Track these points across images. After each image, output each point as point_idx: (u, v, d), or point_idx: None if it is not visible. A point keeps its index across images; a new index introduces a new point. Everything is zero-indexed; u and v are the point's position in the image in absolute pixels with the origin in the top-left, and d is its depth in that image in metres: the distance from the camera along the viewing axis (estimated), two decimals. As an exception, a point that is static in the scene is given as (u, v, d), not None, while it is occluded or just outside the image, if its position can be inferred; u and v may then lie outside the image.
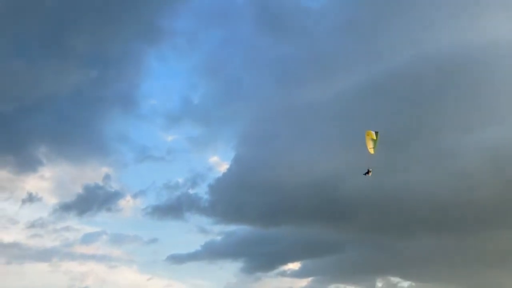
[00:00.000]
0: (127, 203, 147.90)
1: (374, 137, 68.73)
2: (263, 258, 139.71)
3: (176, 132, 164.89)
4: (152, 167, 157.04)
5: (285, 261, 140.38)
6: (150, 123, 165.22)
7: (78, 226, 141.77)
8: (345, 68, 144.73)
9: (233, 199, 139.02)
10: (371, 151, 68.77)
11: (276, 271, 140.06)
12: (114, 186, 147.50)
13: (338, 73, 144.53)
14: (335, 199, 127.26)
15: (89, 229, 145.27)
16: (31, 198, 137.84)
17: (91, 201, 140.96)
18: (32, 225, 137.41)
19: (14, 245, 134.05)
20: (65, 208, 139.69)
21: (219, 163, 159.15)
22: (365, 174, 72.40)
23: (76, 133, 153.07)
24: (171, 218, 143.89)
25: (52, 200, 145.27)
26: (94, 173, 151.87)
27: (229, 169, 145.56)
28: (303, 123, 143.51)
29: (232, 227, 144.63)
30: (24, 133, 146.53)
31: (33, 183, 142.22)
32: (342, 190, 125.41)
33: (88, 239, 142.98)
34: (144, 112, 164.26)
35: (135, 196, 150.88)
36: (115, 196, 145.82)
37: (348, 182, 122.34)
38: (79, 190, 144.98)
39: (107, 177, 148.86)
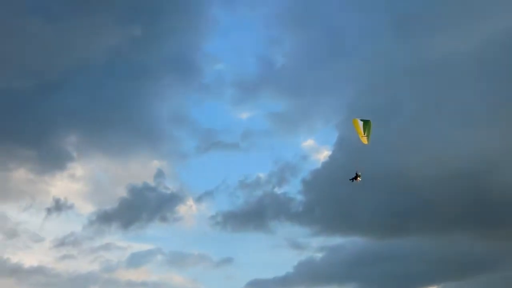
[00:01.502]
0: (188, 209, 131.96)
1: (360, 127, 66.02)
2: (382, 282, 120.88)
3: (253, 108, 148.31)
4: (221, 158, 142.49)
5: (415, 285, 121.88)
6: (217, 97, 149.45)
7: (123, 243, 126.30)
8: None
9: (337, 200, 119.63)
10: (364, 140, 65.70)
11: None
12: (170, 186, 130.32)
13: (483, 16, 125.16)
14: (486, 197, 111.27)
15: (137, 246, 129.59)
16: (58, 206, 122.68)
17: (139, 208, 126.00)
18: (61, 242, 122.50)
19: (38, 270, 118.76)
20: (105, 218, 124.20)
21: (316, 148, 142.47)
22: (351, 180, 68.52)
23: (116, 115, 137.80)
24: (250, 229, 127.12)
25: (86, 208, 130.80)
26: (142, 169, 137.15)
27: (331, 157, 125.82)
28: (436, 87, 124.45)
29: (337, 240, 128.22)
30: (48, 118, 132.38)
31: (60, 185, 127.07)
32: (496, 184, 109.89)
33: (136, 260, 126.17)
34: (209, 82, 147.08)
35: (199, 199, 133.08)
36: (172, 200, 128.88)
37: (507, 172, 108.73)
38: (122, 193, 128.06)
39: (160, 174, 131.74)
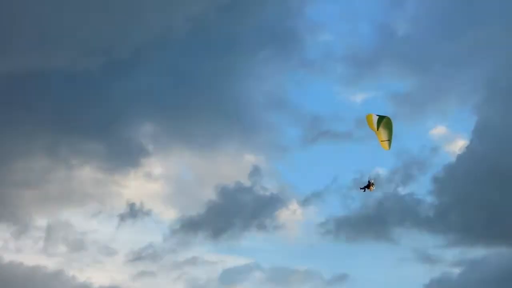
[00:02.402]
0: (292, 215, 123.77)
1: (375, 125, 60.56)
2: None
3: (369, 88, 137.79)
4: (331, 150, 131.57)
5: None
6: (323, 75, 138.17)
7: (213, 256, 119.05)
8: None
9: (477, 202, 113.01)
10: (385, 146, 61.15)
11: None
12: (268, 187, 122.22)
13: None
14: None
15: (230, 261, 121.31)
16: (133, 212, 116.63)
17: (231, 213, 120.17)
18: (137, 256, 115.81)
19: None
20: (190, 226, 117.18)
21: (449, 137, 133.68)
22: (362, 189, 65.31)
23: (200, 99, 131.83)
24: (369, 238, 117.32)
25: (167, 214, 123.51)
26: (233, 166, 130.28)
27: (468, 148, 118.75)
28: None
29: (480, 251, 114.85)
30: (118, 104, 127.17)
31: (135, 186, 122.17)
32: None
33: (230, 278, 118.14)
34: (313, 57, 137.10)
35: (305, 202, 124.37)
36: (272, 204, 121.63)
37: None
38: (210, 195, 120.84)
39: (255, 171, 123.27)
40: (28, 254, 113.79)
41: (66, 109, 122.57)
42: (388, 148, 62.19)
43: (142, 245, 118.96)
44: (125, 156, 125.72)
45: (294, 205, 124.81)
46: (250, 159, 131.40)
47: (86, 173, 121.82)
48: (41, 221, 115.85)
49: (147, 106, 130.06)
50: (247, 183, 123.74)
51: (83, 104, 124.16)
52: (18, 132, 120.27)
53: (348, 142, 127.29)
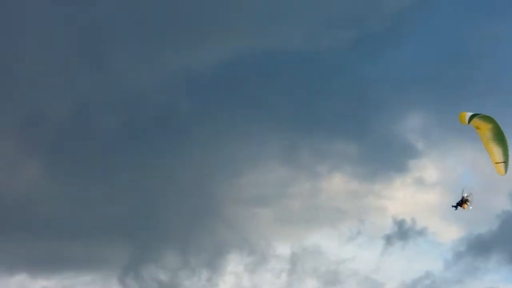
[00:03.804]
0: None
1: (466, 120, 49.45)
2: None
3: None
4: None
5: None
6: None
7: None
8: None
9: None
10: (501, 170, 51.45)
11: None
12: None
13: None
14: None
15: None
16: (403, 232, 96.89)
17: None
18: None
19: None
20: (479, 248, 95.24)
21: None
22: (455, 207, 58.37)
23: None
24: None
25: (448, 233, 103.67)
26: None
27: None
28: None
29: None
30: (373, 89, 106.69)
31: (403, 197, 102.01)
32: None
33: None
34: None
35: None
36: None
37: None
38: (504, 205, 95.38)
39: None
40: None
41: (303, 100, 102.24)
42: (503, 172, 52.91)
43: (416, 275, 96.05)
44: (387, 158, 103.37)
45: None
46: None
47: (336, 184, 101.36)
48: (282, 249, 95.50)
49: (412, 90, 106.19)
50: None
51: (325, 92, 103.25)
52: (246, 134, 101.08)
53: None
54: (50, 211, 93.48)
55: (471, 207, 58.99)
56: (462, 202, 59.16)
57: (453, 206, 60.43)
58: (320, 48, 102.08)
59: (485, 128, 51.19)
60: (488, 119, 50.70)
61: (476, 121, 49.91)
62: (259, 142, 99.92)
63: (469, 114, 50.17)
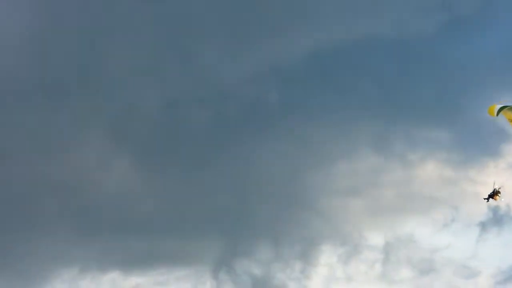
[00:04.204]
0: None
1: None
2: None
3: None
4: None
5: None
6: None
7: None
8: None
9: None
10: None
11: None
12: None
13: None
14: None
15: None
16: (498, 219, 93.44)
17: None
18: (508, 277, 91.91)
19: None
20: None
21: None
22: (486, 199, 60.81)
23: None
24: None
25: None
26: None
27: None
28: None
29: None
30: (461, 74, 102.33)
31: (498, 183, 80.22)
32: None
33: None
34: None
35: None
36: None
37: None
38: None
39: None
40: (362, 283, 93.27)
41: (394, 87, 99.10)
42: None
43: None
44: (480, 143, 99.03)
45: None
46: None
47: (429, 171, 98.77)
48: (375, 239, 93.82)
49: (504, 73, 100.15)
50: None
51: (415, 78, 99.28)
52: (336, 124, 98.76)
53: None
54: (142, 208, 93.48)
55: (502, 199, 60.18)
56: (494, 194, 60.63)
57: (484, 199, 61.73)
58: (410, 34, 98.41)
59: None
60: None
61: (507, 113, 49.22)
62: (350, 132, 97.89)
63: (499, 106, 50.01)
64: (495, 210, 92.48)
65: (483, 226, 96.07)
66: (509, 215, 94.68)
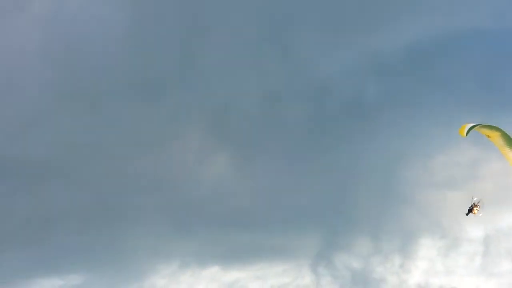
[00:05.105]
0: None
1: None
2: None
3: None
4: None
5: None
6: None
7: None
8: None
9: None
10: None
11: None
12: None
13: None
14: None
15: None
16: None
17: None
18: None
19: None
20: None
21: None
22: (467, 214, 57.57)
23: None
24: None
25: None
26: None
27: None
28: None
29: None
30: None
31: None
32: None
33: None
34: None
35: None
36: None
37: None
38: None
39: None
40: (462, 276, 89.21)
41: (491, 79, 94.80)
42: None
43: None
44: None
45: None
46: None
47: None
48: (475, 231, 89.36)
49: None
50: None
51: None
52: (434, 116, 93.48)
53: None
54: (241, 203, 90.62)
55: (480, 214, 57.26)
56: (472, 208, 57.76)
57: (466, 214, 58.97)
58: (508, 25, 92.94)
59: (495, 136, 49.68)
60: (492, 127, 48.92)
61: (482, 131, 48.37)
62: (448, 123, 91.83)
63: (469, 126, 48.41)
64: None
65: None
66: None
